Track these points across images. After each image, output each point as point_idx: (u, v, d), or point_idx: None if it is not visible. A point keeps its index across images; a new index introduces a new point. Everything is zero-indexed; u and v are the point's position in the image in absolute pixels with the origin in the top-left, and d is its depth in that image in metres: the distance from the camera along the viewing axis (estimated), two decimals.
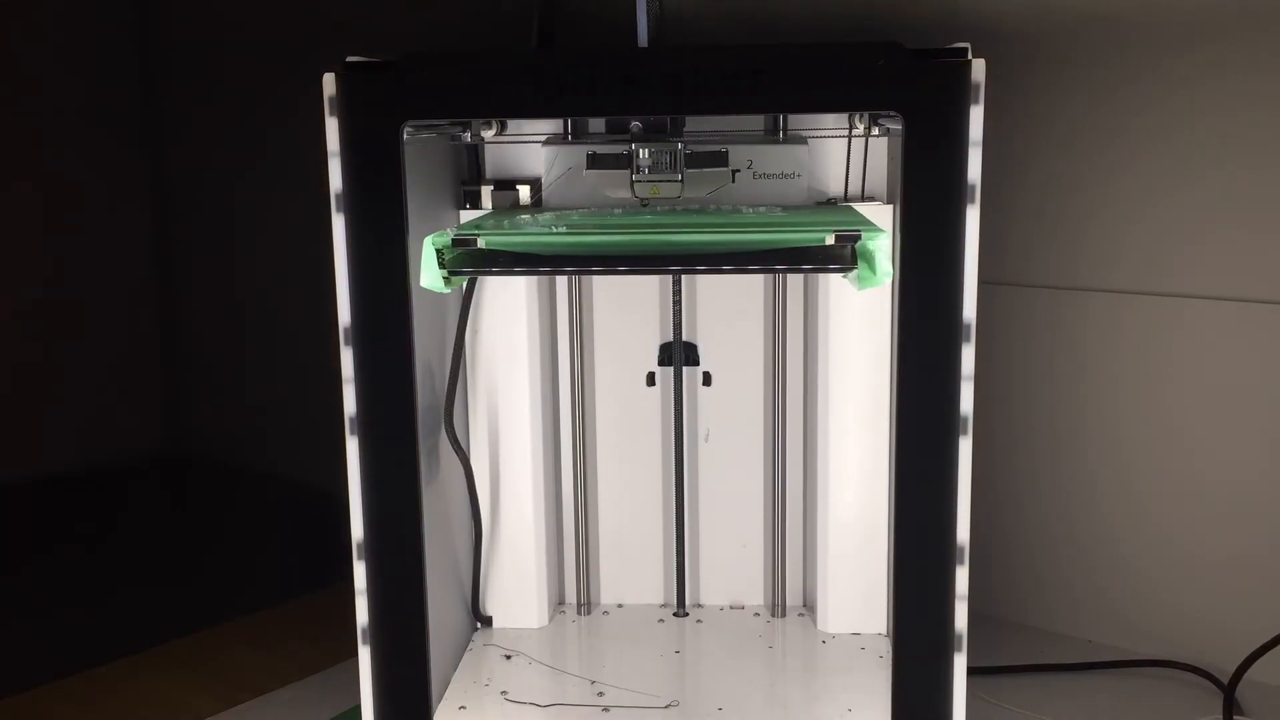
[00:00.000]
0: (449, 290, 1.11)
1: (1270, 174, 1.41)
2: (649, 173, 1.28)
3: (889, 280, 1.07)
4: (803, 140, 1.40)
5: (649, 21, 1.33)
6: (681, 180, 1.28)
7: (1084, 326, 1.57)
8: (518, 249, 1.09)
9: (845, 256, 1.06)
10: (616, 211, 1.27)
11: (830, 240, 1.06)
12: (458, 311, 1.37)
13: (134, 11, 2.53)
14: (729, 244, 1.08)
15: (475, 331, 1.41)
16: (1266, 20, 1.39)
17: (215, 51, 2.41)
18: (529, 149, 1.42)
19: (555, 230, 1.13)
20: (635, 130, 1.27)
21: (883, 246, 1.06)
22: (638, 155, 1.28)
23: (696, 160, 1.30)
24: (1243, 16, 1.40)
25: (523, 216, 1.17)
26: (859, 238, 1.06)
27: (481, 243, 1.09)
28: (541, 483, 1.46)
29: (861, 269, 1.06)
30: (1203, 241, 1.48)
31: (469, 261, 1.09)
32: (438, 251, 1.08)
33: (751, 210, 1.27)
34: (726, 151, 1.31)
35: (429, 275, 1.08)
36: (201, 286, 2.58)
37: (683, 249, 1.10)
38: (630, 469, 1.53)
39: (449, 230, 1.11)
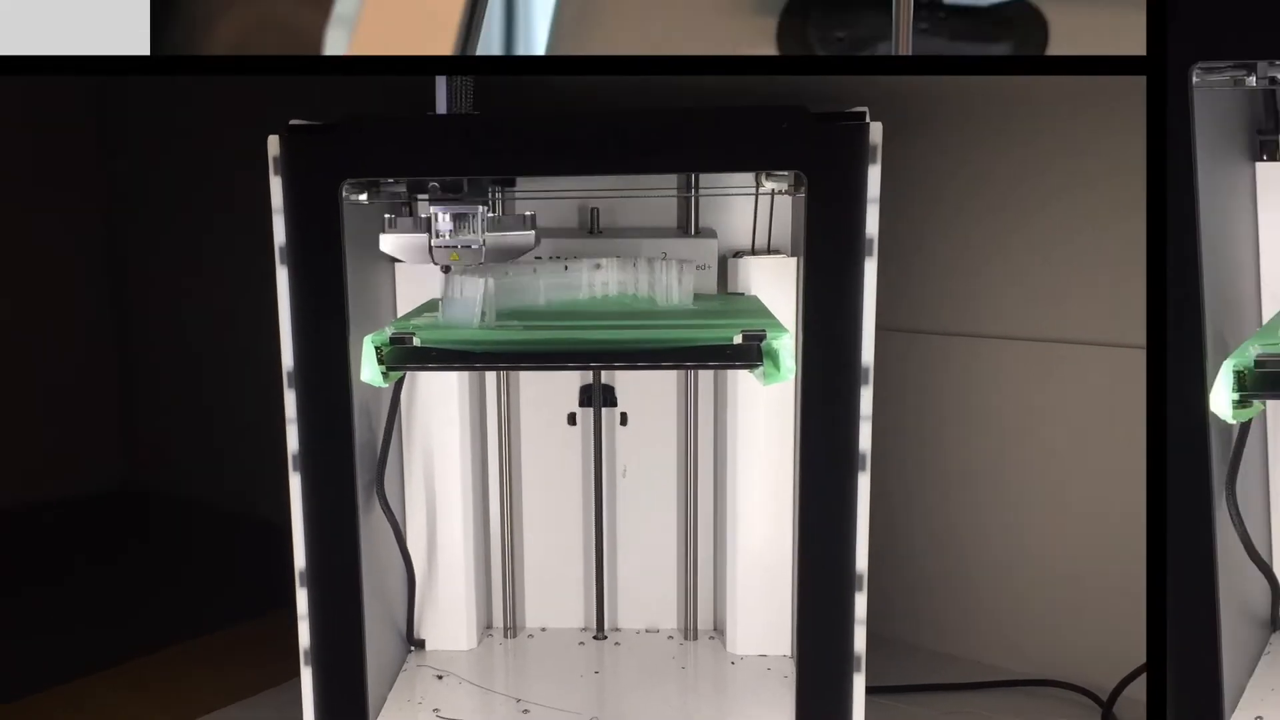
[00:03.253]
0: (387, 384, 1.15)
1: (1123, 236, 1.46)
2: (448, 237, 1.18)
3: (792, 376, 1.10)
4: (712, 233, 1.45)
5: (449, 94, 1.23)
6: (484, 245, 1.19)
7: (972, 369, 1.63)
8: (450, 346, 1.14)
9: (752, 354, 1.10)
10: (542, 302, 1.30)
11: (738, 339, 1.10)
12: None
13: (91, 85, 2.53)
14: (644, 341, 1.13)
15: (410, 377, 1.43)
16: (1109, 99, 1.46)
17: (169, 115, 2.41)
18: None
19: (484, 327, 1.18)
20: (433, 191, 1.18)
21: (786, 345, 1.09)
22: (436, 219, 1.18)
23: (502, 224, 1.22)
24: (1100, 97, 1.47)
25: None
26: (764, 336, 1.09)
27: (417, 340, 1.13)
28: (471, 515, 1.49)
29: (767, 366, 1.09)
30: (1076, 293, 1.54)
31: (406, 358, 1.14)
32: (376, 349, 1.13)
33: (664, 300, 1.30)
34: (534, 215, 1.22)
35: (369, 371, 1.13)
36: (156, 330, 2.59)
37: (601, 347, 1.15)
38: (553, 502, 1.56)
39: (387, 328, 1.15)
